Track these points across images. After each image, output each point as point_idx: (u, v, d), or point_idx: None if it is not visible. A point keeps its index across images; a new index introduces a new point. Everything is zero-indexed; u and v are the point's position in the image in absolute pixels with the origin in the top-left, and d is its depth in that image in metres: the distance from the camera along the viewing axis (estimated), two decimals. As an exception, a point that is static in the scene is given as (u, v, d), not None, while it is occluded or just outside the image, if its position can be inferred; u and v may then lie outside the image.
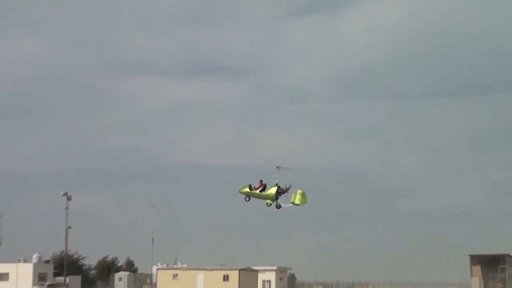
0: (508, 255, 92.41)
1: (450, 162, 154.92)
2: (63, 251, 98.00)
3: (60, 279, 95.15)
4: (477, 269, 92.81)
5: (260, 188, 40.24)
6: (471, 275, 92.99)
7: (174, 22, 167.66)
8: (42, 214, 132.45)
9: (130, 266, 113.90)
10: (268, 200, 40.01)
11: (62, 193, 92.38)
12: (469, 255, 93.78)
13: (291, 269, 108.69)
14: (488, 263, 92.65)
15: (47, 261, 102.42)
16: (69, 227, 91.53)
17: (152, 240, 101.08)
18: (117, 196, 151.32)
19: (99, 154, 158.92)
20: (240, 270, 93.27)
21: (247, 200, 40.73)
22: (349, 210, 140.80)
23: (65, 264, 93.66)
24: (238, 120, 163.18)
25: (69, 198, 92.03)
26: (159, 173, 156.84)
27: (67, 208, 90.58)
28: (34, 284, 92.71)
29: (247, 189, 40.50)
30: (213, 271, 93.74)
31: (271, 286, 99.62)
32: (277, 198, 39.81)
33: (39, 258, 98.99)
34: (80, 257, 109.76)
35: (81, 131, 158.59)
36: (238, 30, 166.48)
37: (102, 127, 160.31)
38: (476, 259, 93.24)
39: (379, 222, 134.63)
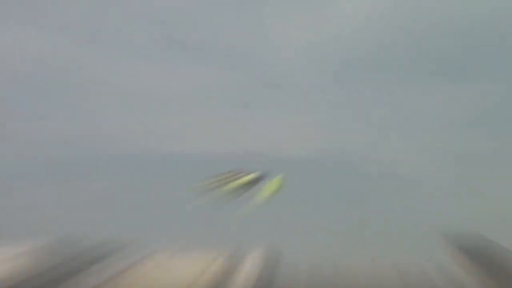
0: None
1: (430, 146, 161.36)
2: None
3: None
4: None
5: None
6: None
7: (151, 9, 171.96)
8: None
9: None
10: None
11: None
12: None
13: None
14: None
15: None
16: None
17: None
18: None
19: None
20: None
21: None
22: (332, 193, 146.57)
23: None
24: (222, 107, 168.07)
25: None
26: (139, 160, 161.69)
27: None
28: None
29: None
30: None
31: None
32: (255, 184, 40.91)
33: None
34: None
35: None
36: (221, 14, 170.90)
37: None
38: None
39: (360, 204, 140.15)
